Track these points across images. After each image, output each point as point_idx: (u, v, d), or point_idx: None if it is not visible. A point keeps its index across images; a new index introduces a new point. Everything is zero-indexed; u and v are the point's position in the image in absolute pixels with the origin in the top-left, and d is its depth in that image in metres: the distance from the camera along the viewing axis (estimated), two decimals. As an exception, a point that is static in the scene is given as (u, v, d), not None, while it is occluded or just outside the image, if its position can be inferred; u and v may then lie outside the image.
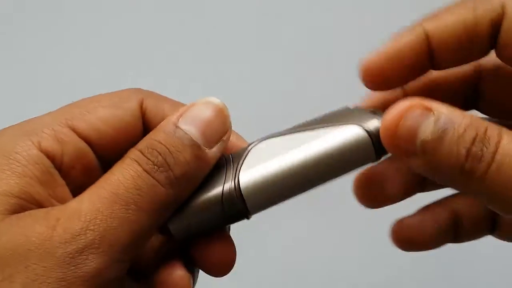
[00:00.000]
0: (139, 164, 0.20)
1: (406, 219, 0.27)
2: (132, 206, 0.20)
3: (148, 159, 0.20)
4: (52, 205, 0.21)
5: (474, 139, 0.19)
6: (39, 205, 0.21)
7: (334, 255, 0.36)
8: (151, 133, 0.21)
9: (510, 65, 0.22)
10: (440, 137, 0.19)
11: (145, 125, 0.23)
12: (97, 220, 0.19)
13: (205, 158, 0.21)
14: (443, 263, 0.38)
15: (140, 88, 0.24)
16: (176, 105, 0.24)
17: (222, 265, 0.23)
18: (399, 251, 0.27)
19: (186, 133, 0.21)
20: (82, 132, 0.22)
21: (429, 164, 0.20)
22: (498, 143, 0.19)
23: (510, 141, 0.19)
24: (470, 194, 0.21)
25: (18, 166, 0.21)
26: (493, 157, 0.19)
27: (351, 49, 0.36)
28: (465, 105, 0.26)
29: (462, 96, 0.26)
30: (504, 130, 0.19)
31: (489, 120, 0.22)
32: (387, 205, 0.26)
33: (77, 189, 0.22)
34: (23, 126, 0.22)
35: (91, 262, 0.19)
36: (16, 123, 0.23)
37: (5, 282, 0.18)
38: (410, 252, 0.27)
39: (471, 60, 0.24)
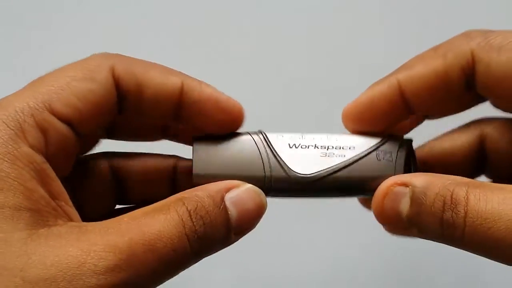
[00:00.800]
0: (184, 227, 0.21)
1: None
2: (164, 261, 0.20)
3: (194, 225, 0.21)
4: (52, 206, 0.21)
5: (443, 207, 0.21)
6: (44, 210, 0.20)
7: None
8: (203, 187, 0.23)
9: (493, 101, 0.23)
10: (417, 212, 0.22)
11: (118, 92, 0.23)
12: (131, 263, 0.19)
13: (227, 243, 0.23)
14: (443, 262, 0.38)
15: (107, 53, 0.24)
16: (144, 66, 0.24)
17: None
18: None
19: (227, 213, 0.22)
20: (61, 115, 0.21)
21: (420, 234, 0.22)
22: (465, 206, 0.20)
23: (477, 200, 0.20)
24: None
25: (16, 170, 0.20)
26: (464, 222, 0.20)
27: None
28: (474, 172, 0.28)
29: (470, 165, 0.27)
30: (471, 189, 0.20)
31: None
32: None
33: (63, 179, 0.22)
34: (4, 118, 0.21)
35: None
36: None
37: None
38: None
39: (449, 105, 0.25)
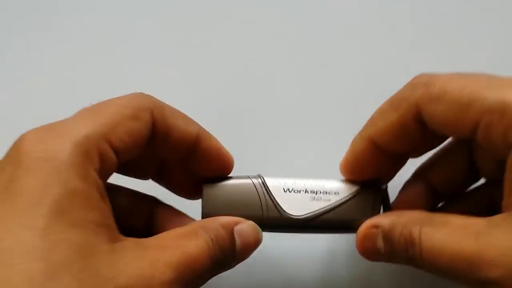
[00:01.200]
0: (209, 251, 0.25)
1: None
2: (197, 278, 0.25)
3: (215, 250, 0.26)
4: (114, 222, 0.24)
5: (406, 246, 0.26)
6: (112, 226, 0.24)
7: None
8: (216, 219, 0.28)
9: (439, 133, 0.27)
10: (390, 249, 0.27)
11: (152, 131, 0.27)
12: (182, 278, 0.24)
13: (229, 268, 0.28)
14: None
15: (144, 94, 0.27)
16: (172, 112, 0.28)
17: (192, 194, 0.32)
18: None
19: (235, 243, 0.27)
20: (114, 146, 0.25)
21: (394, 262, 0.27)
22: (420, 244, 0.25)
23: (426, 238, 0.25)
24: None
25: (92, 191, 0.23)
26: (421, 257, 0.25)
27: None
28: (473, 179, 0.32)
29: (466, 176, 0.31)
30: (423, 228, 0.25)
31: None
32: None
33: None
34: (75, 142, 0.23)
35: None
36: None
37: None
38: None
39: (416, 143, 0.29)
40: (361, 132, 0.29)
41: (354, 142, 0.29)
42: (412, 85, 0.27)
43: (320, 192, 0.30)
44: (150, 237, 0.25)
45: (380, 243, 0.27)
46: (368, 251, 0.28)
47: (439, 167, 0.31)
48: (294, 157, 0.35)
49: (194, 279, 0.25)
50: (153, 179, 0.32)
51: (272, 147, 0.36)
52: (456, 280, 0.24)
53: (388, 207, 0.31)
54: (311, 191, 0.31)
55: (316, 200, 0.30)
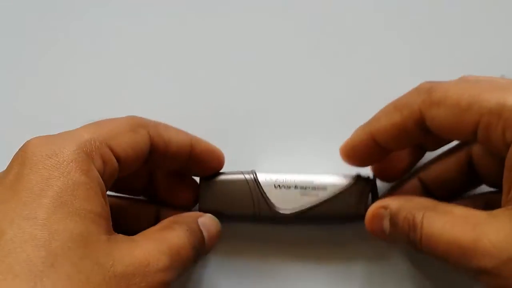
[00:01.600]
0: (189, 240, 0.28)
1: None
2: (183, 264, 0.27)
3: (192, 239, 0.28)
4: (108, 222, 0.25)
5: (408, 228, 0.27)
6: (109, 220, 0.25)
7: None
8: (184, 215, 0.30)
9: (442, 137, 0.28)
10: (394, 231, 0.28)
11: (151, 146, 0.29)
12: (174, 265, 0.26)
13: (203, 256, 0.30)
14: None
15: (140, 117, 0.29)
16: (165, 128, 0.30)
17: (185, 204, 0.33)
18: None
19: (202, 232, 0.30)
20: (115, 152, 0.26)
21: (398, 243, 0.29)
22: (421, 229, 0.26)
23: (427, 223, 0.26)
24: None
25: (94, 185, 0.24)
26: (420, 242, 0.26)
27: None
28: (472, 185, 0.33)
29: (465, 180, 0.32)
30: (426, 213, 0.26)
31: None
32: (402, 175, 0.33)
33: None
34: (78, 143, 0.25)
35: None
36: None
37: None
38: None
39: (412, 144, 0.30)
40: (364, 125, 0.30)
41: (356, 132, 0.31)
42: (416, 90, 0.28)
43: (309, 188, 0.32)
44: (135, 235, 0.27)
45: (386, 224, 0.29)
46: (375, 230, 0.29)
47: (432, 167, 0.33)
48: (289, 152, 0.36)
49: (182, 266, 0.27)
50: (143, 195, 0.34)
51: (268, 142, 0.37)
52: (453, 266, 0.25)
53: (376, 200, 0.32)
54: (300, 187, 0.32)
55: (305, 195, 0.32)
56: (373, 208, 0.29)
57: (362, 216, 0.32)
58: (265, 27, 0.39)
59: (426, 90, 0.27)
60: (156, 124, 0.29)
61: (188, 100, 0.38)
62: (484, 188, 0.33)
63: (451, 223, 0.25)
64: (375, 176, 0.33)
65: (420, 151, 0.33)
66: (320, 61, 0.38)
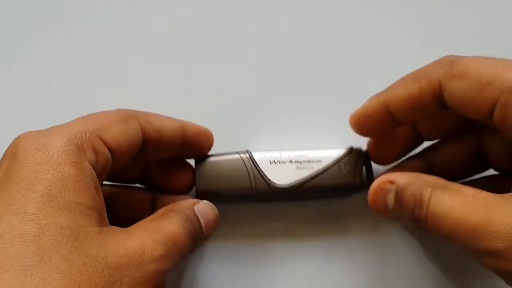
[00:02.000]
0: (185, 229, 0.27)
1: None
2: (180, 253, 0.27)
3: (189, 227, 0.28)
4: (104, 210, 0.26)
5: (414, 205, 0.26)
6: (102, 212, 0.25)
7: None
8: (179, 203, 0.30)
9: (458, 112, 0.27)
10: (398, 206, 0.28)
11: (143, 136, 0.29)
12: (170, 254, 0.26)
13: (200, 243, 0.30)
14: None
15: (130, 109, 0.29)
16: (155, 117, 0.30)
17: (181, 188, 0.33)
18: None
19: (199, 220, 0.29)
20: (107, 143, 0.26)
21: (402, 221, 0.29)
22: (427, 206, 0.26)
23: (435, 201, 0.26)
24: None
25: (85, 177, 0.24)
26: (426, 218, 0.26)
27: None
28: (479, 169, 0.32)
29: (474, 164, 0.32)
30: (435, 191, 0.26)
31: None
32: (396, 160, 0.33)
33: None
34: (68, 136, 0.25)
35: (166, 278, 0.26)
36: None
37: (115, 284, 0.23)
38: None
39: (426, 118, 0.30)
40: (379, 93, 0.30)
41: (369, 100, 0.30)
42: (439, 62, 0.27)
43: (304, 161, 0.32)
44: (130, 226, 0.26)
45: (390, 199, 0.28)
46: (378, 204, 0.29)
47: (440, 150, 0.32)
48: (281, 131, 0.36)
49: (179, 255, 0.27)
50: (139, 183, 0.34)
51: (260, 122, 0.37)
52: (458, 246, 0.25)
53: (370, 172, 0.33)
54: (295, 161, 0.32)
55: (301, 169, 0.32)
56: (378, 181, 0.28)
57: (357, 188, 0.32)
58: (257, 6, 0.39)
59: (449, 62, 0.27)
60: (146, 114, 0.29)
61: (179, 85, 0.38)
62: (488, 172, 0.32)
63: (460, 202, 0.25)
64: (368, 152, 0.33)
65: (418, 139, 0.32)
66: (310, 40, 0.38)
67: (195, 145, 0.32)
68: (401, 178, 0.28)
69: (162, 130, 0.29)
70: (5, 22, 0.40)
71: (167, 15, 0.39)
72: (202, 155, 0.33)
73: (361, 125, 0.30)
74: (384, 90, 0.29)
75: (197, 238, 0.29)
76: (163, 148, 0.30)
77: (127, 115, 0.28)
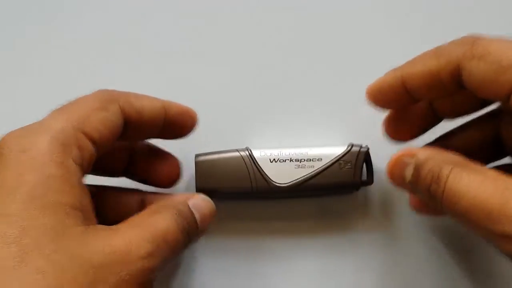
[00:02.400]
0: (178, 224, 0.27)
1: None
2: (172, 250, 0.26)
3: (182, 223, 0.27)
4: (89, 209, 0.25)
5: (431, 181, 0.26)
6: (86, 211, 0.25)
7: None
8: (172, 198, 0.29)
9: (475, 93, 0.26)
10: (416, 180, 0.27)
11: (124, 118, 0.28)
12: (158, 251, 0.25)
13: (195, 239, 0.29)
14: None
15: (111, 90, 0.28)
16: (135, 97, 0.29)
17: (170, 181, 0.32)
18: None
19: (194, 215, 0.28)
20: (90, 136, 0.26)
21: (418, 195, 0.28)
22: (445, 183, 0.25)
23: (453, 178, 0.25)
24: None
25: (70, 177, 0.24)
26: (442, 195, 0.25)
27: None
28: (495, 156, 0.31)
29: (489, 150, 0.31)
30: (454, 169, 0.25)
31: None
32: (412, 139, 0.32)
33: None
34: (52, 134, 0.25)
35: (155, 275, 0.25)
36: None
37: (100, 283, 0.23)
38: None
39: (442, 97, 0.29)
40: (397, 68, 0.29)
41: (387, 73, 0.29)
42: (460, 41, 0.27)
43: (304, 160, 0.31)
44: (118, 224, 0.26)
45: (409, 172, 0.27)
46: (395, 176, 0.28)
47: (457, 135, 0.31)
48: (281, 128, 0.36)
49: (169, 251, 0.26)
50: (125, 176, 0.33)
51: (260, 119, 0.36)
52: (470, 227, 0.24)
53: (370, 169, 0.32)
54: (295, 160, 0.31)
55: (301, 167, 0.31)
56: (399, 153, 0.28)
57: (358, 185, 0.31)
58: (257, 5, 0.38)
59: (470, 42, 0.26)
60: (127, 94, 0.29)
61: (178, 83, 0.37)
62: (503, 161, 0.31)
63: (479, 182, 0.24)
64: (368, 150, 0.32)
65: (435, 118, 0.32)
66: (310, 37, 0.38)
67: (177, 125, 0.31)
68: (422, 152, 0.27)
69: (142, 110, 0.29)
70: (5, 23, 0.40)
71: (167, 15, 0.39)
72: (186, 135, 0.32)
73: (377, 97, 0.30)
74: (402, 65, 0.29)
75: (191, 234, 0.28)
76: (144, 128, 0.29)
77: (106, 100, 0.27)
